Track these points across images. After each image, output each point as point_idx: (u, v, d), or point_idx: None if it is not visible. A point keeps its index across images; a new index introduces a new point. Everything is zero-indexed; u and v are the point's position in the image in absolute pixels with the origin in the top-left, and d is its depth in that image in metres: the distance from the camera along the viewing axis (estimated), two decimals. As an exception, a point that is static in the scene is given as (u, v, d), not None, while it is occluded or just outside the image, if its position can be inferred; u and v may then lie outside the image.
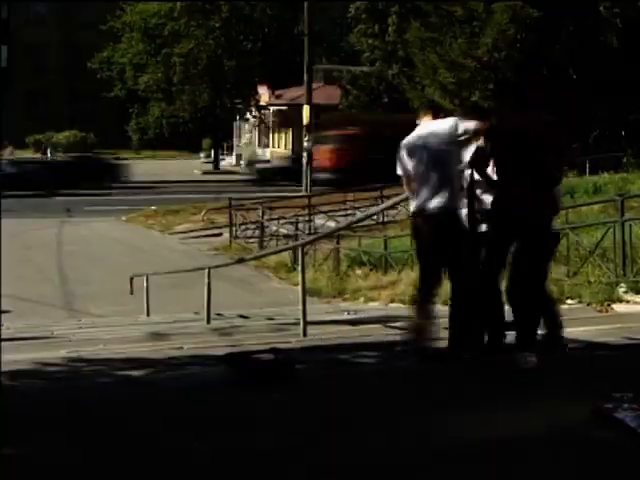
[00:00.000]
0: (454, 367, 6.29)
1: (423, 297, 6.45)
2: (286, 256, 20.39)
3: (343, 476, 3.94)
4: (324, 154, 40.90)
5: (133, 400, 5.54)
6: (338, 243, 19.27)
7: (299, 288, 9.82)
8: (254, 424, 4.77)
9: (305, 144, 36.64)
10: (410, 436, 4.44)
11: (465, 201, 6.13)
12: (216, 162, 53.00)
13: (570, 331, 7.96)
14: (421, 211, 6.19)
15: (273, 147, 57.23)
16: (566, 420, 4.56)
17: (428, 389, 5.54)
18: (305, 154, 36.33)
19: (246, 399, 5.42)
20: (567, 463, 3.98)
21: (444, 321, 6.49)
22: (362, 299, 14.90)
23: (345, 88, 49.55)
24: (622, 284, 10.24)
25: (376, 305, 14.00)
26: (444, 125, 6.14)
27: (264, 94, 54.20)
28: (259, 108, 53.83)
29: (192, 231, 27.36)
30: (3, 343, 9.43)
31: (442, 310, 9.01)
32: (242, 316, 12.80)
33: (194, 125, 52.18)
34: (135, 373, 6.82)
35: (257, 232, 24.12)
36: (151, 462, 4.17)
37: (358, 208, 27.33)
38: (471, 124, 6.03)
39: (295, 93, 49.12)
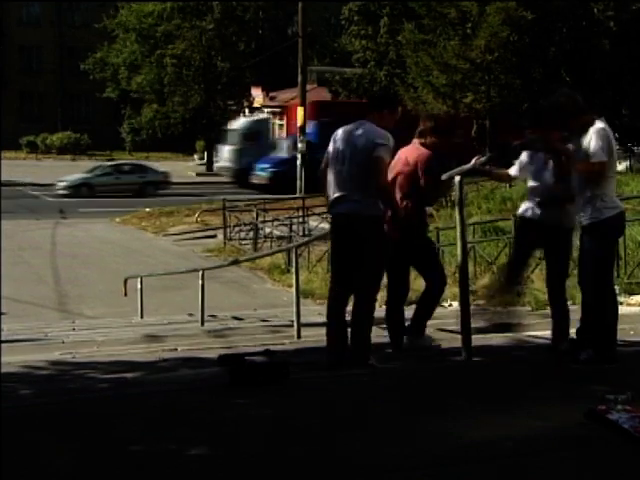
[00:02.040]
0: (451, 369, 6.31)
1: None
2: (280, 258, 20.39)
3: (339, 475, 3.94)
4: None
5: (127, 402, 5.53)
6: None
7: (293, 290, 9.82)
8: (248, 425, 4.77)
9: (299, 145, 36.67)
10: (406, 437, 4.44)
11: None
12: (210, 164, 52.96)
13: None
14: None
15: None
16: (563, 421, 4.57)
17: (423, 390, 5.55)
18: (299, 155, 36.36)
19: (240, 401, 5.42)
20: (565, 463, 3.99)
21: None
22: (356, 300, 14.89)
23: (334, 91, 49.54)
24: (615, 286, 10.24)
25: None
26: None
27: (258, 95, 54.20)
28: (252, 110, 53.81)
29: (186, 233, 27.35)
30: (-3, 345, 9.42)
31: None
32: (236, 318, 12.80)
33: (187, 126, 52.12)
34: (129, 375, 6.81)
35: (251, 234, 24.11)
36: (145, 463, 4.16)
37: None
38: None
39: (289, 94, 49.15)
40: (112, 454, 4.29)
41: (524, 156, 6.80)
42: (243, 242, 24.34)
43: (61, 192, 38.31)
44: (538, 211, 6.70)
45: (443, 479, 3.86)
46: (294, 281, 9.80)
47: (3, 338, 10.93)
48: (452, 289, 12.79)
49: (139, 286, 14.68)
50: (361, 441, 4.40)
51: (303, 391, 5.68)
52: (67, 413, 5.18)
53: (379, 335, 8.93)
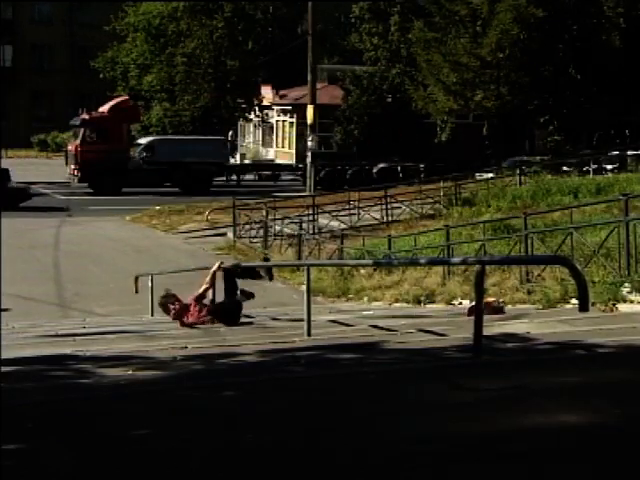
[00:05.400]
0: (455, 368, 6.31)
1: None
2: (290, 256, 20.41)
3: (340, 472, 3.94)
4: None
5: (127, 401, 5.54)
6: (342, 243, 19.29)
7: (304, 289, 9.82)
8: (254, 423, 4.77)
9: (309, 144, 36.69)
10: (410, 435, 4.44)
11: None
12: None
13: (573, 330, 7.98)
14: None
15: (277, 147, 57.27)
16: (567, 419, 4.57)
17: (428, 389, 5.55)
18: (309, 154, 36.41)
19: (247, 399, 5.43)
20: (567, 461, 3.98)
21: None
22: (366, 299, 14.92)
23: (346, 88, 49.55)
24: (626, 284, 10.23)
25: (380, 305, 14.01)
26: None
27: (268, 94, 54.22)
28: (262, 108, 53.85)
29: (196, 231, 27.38)
30: (8, 341, 9.45)
31: (442, 309, 9.01)
32: (246, 316, 12.80)
33: (198, 125, 52.21)
34: (139, 372, 6.82)
35: (261, 232, 24.13)
36: (149, 460, 4.16)
37: (362, 208, 27.35)
38: None
39: (299, 93, 49.15)
40: (112, 454, 4.28)
41: None
42: (253, 240, 24.36)
43: None
44: None
45: (446, 477, 3.85)
46: (305, 283, 9.79)
47: (15, 335, 10.98)
48: (463, 287, 12.82)
49: (150, 284, 14.72)
50: (364, 438, 4.40)
51: (312, 389, 5.69)
52: (67, 413, 5.19)
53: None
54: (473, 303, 9.19)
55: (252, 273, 11.50)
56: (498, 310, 10.21)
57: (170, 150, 40.61)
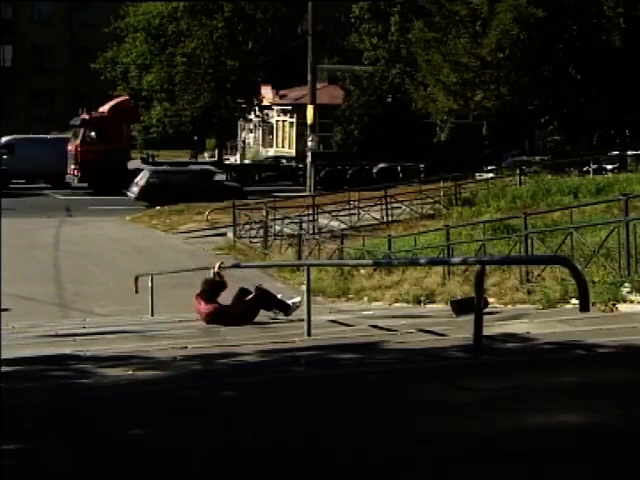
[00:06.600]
0: (455, 368, 6.31)
1: None
2: (290, 256, 20.41)
3: (340, 472, 3.94)
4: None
5: (127, 401, 5.54)
6: (342, 243, 19.29)
7: (304, 289, 9.82)
8: (254, 423, 4.77)
9: (309, 144, 36.70)
10: (410, 435, 4.44)
11: None
12: (220, 162, 53.04)
13: (573, 330, 7.98)
14: None
15: (277, 147, 57.28)
16: (567, 419, 4.57)
17: (428, 389, 5.55)
18: (309, 154, 36.41)
19: (247, 399, 5.43)
20: (569, 461, 3.98)
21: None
22: (366, 299, 14.92)
23: (346, 88, 49.57)
24: (626, 284, 10.22)
25: (380, 305, 14.01)
26: None
27: (268, 94, 54.24)
28: (262, 108, 53.86)
29: (196, 231, 27.39)
30: (8, 341, 9.45)
31: (442, 309, 9.01)
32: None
33: (198, 125, 52.23)
34: (139, 372, 6.82)
35: (261, 232, 24.13)
36: (149, 460, 4.16)
37: (362, 208, 27.35)
38: None
39: (299, 93, 49.17)
40: (112, 454, 4.28)
41: None
42: (253, 240, 24.37)
43: None
44: None
45: (446, 477, 3.85)
46: (305, 279, 9.80)
47: (15, 335, 10.99)
48: (463, 287, 12.82)
49: (150, 284, 14.72)
50: (365, 438, 4.40)
51: (312, 389, 5.69)
52: (67, 413, 5.18)
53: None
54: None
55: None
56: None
57: (29, 149, 40.86)
